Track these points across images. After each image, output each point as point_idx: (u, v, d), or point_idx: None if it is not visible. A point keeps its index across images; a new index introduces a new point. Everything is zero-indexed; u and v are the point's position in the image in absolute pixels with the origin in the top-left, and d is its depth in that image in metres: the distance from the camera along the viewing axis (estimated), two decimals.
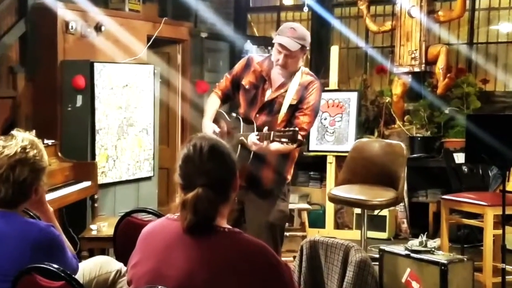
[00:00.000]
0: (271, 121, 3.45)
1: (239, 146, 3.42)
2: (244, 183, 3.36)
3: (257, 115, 3.51)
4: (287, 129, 3.23)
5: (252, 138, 3.31)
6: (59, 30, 5.34)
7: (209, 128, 3.55)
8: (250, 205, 3.54)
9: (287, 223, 6.66)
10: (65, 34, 5.39)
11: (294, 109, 3.46)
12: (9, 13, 5.25)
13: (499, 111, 6.62)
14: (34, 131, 2.82)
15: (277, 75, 3.51)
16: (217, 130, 3.55)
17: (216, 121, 3.64)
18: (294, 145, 3.28)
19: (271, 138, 3.23)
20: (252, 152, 3.38)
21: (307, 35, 3.47)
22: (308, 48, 3.49)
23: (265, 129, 3.30)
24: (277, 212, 3.56)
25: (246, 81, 3.58)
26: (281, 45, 3.40)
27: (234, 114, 3.64)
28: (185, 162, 1.93)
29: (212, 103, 3.69)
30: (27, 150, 2.33)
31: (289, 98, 3.45)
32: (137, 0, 6.23)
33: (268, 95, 3.52)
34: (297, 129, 3.20)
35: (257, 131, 3.38)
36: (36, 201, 2.44)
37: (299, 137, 3.23)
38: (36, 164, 2.35)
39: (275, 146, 3.31)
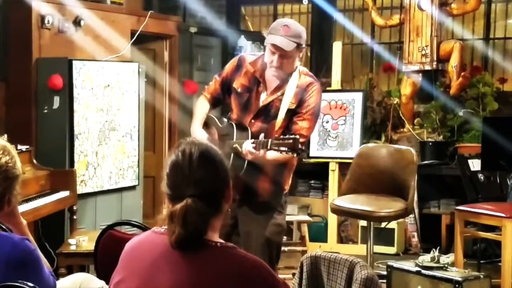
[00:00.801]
0: (267, 127, 3.46)
1: (232, 154, 3.41)
2: (237, 196, 3.36)
3: (252, 121, 3.50)
4: (286, 136, 3.23)
5: (248, 147, 3.31)
6: (34, 24, 5.35)
7: (198, 135, 3.55)
8: (244, 219, 3.54)
9: (285, 237, 6.71)
10: (41, 29, 5.40)
11: (292, 113, 3.46)
12: None
13: None
14: (5, 135, 2.82)
15: (272, 77, 3.49)
16: (207, 137, 3.56)
17: (206, 126, 3.64)
18: (294, 154, 3.28)
19: (269, 147, 3.23)
20: (247, 161, 3.38)
21: (303, 31, 3.46)
22: (304, 46, 3.48)
23: (261, 136, 3.31)
24: (274, 226, 3.56)
25: (238, 84, 3.57)
26: (274, 45, 3.38)
27: (226, 120, 3.64)
28: (173, 170, 1.93)
29: (201, 107, 3.69)
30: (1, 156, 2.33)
31: (287, 101, 3.44)
32: None
33: (264, 99, 3.51)
34: (297, 137, 3.20)
35: (252, 138, 3.38)
36: (8, 213, 2.43)
37: (299, 145, 3.23)
38: (9, 172, 2.35)
39: (273, 155, 3.31)
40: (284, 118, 3.44)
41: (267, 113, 3.50)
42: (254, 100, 3.52)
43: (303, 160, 6.83)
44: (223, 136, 3.55)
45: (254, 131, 3.44)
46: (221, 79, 3.67)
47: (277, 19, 3.56)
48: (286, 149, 3.17)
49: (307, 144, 6.71)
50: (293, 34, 3.38)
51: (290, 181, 3.68)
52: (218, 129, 3.62)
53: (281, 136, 3.27)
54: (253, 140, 3.33)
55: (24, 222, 2.56)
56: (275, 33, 3.39)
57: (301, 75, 3.50)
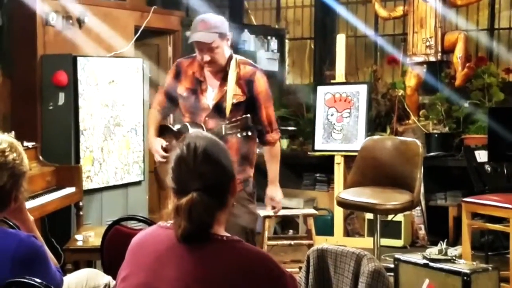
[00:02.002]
0: (223, 123, 3.48)
1: None
2: None
3: (206, 119, 3.56)
4: (238, 118, 3.33)
5: None
6: (39, 22, 5.35)
7: (156, 144, 3.64)
8: None
9: (291, 231, 6.72)
10: (45, 27, 5.40)
11: (246, 105, 3.53)
12: None
13: None
14: (13, 132, 2.82)
15: (211, 74, 3.59)
16: (165, 144, 3.63)
17: (162, 136, 3.72)
18: (245, 134, 3.32)
19: (224, 132, 3.31)
20: None
21: (221, 20, 3.54)
22: (228, 33, 3.54)
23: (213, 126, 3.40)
24: (248, 215, 3.61)
25: (182, 89, 3.64)
26: (197, 42, 3.46)
27: (179, 124, 3.70)
28: (178, 164, 1.93)
29: (153, 119, 3.79)
30: (6, 153, 2.33)
31: (231, 91, 3.52)
32: None
33: (212, 96, 3.58)
34: (248, 115, 3.32)
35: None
36: (15, 210, 2.44)
37: (276, 134, 3.59)
38: (16, 169, 2.35)
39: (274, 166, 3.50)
40: (231, 111, 3.50)
41: (220, 109, 3.54)
42: (201, 99, 3.59)
43: (308, 153, 6.82)
44: (180, 138, 3.56)
45: (210, 128, 3.48)
46: (165, 89, 3.76)
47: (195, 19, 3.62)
48: (240, 129, 3.27)
49: (312, 137, 6.73)
50: (211, 26, 3.46)
51: (253, 168, 3.71)
52: (174, 134, 3.69)
53: (232, 119, 3.36)
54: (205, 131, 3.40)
55: (32, 218, 2.56)
56: (195, 31, 3.48)
57: (240, 65, 3.57)
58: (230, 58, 3.56)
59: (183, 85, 3.64)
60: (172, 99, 3.72)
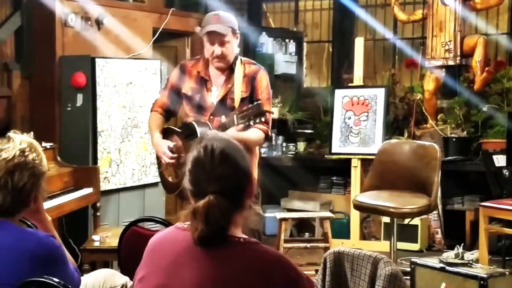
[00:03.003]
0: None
1: None
2: None
3: (211, 117, 3.58)
4: (249, 106, 3.34)
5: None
6: (58, 23, 5.38)
7: (163, 146, 3.64)
8: None
9: (307, 233, 6.71)
10: (64, 28, 5.43)
11: (246, 102, 3.55)
12: (3, 5, 5.30)
13: None
14: (32, 133, 2.84)
15: (216, 72, 3.62)
16: (172, 144, 3.64)
17: (166, 138, 3.72)
18: (258, 121, 3.30)
19: (236, 122, 3.31)
20: None
21: (233, 18, 3.60)
22: (238, 31, 3.60)
23: (223, 117, 3.41)
24: (254, 217, 3.62)
25: (187, 89, 3.67)
26: (211, 32, 3.49)
27: (184, 125, 3.70)
28: (195, 167, 1.93)
29: (155, 122, 3.80)
30: (26, 154, 2.34)
31: (238, 91, 3.55)
32: None
33: (216, 94, 3.61)
34: (259, 102, 3.34)
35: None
36: (33, 210, 2.46)
37: (266, 127, 3.52)
38: (36, 169, 2.36)
39: (245, 133, 3.40)
40: (239, 107, 3.53)
41: (224, 107, 3.58)
42: (206, 98, 3.61)
43: (325, 156, 6.81)
44: (187, 137, 3.58)
45: (214, 127, 3.49)
46: (168, 91, 3.78)
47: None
48: (253, 117, 3.26)
49: (329, 139, 6.72)
50: (225, 21, 3.53)
51: (257, 171, 3.70)
52: (178, 134, 3.68)
53: (244, 108, 3.37)
54: (216, 127, 3.42)
55: (49, 218, 2.58)
56: (208, 23, 3.53)
57: (244, 65, 3.62)
58: (236, 57, 3.61)
59: (188, 85, 3.67)
60: (175, 100, 3.75)
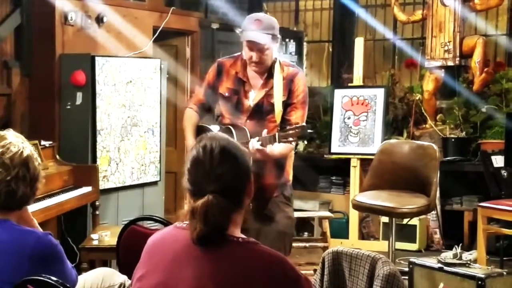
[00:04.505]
0: (263, 124, 3.48)
1: None
2: None
3: (248, 121, 3.53)
4: (294, 126, 3.28)
5: (255, 145, 3.33)
6: (58, 21, 5.38)
7: None
8: (253, 217, 3.54)
9: (305, 233, 6.71)
10: (64, 26, 5.43)
11: (284, 105, 3.51)
12: (3, 3, 5.30)
13: None
14: (10, 129, 2.85)
15: (254, 74, 3.55)
16: None
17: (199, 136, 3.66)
18: (304, 142, 3.32)
19: (277, 141, 3.26)
20: (251, 162, 3.38)
21: (275, 22, 3.52)
22: (279, 36, 3.52)
23: (264, 132, 3.33)
24: (286, 219, 3.61)
25: (223, 89, 3.60)
26: (250, 41, 3.42)
27: (218, 125, 3.65)
28: (194, 166, 1.93)
29: (190, 120, 3.72)
30: (26, 145, 2.40)
31: (279, 94, 3.49)
32: None
33: (253, 97, 3.55)
34: (304, 124, 3.29)
35: (251, 137, 3.40)
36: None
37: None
38: (37, 160, 2.42)
39: (279, 148, 3.36)
40: (281, 110, 3.49)
41: (260, 110, 3.53)
42: (243, 101, 3.55)
43: (325, 156, 6.81)
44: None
45: (251, 130, 3.46)
46: (204, 88, 3.71)
47: (247, 16, 3.58)
48: (296, 138, 3.23)
49: (329, 139, 6.72)
50: (266, 27, 3.43)
51: (291, 172, 3.71)
52: None
53: (287, 127, 3.32)
54: (258, 138, 3.35)
55: (34, 220, 2.59)
56: (248, 29, 3.44)
57: (283, 67, 3.54)
58: (275, 60, 3.53)
59: (224, 85, 3.59)
60: (211, 99, 3.68)
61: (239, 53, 3.60)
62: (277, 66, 3.52)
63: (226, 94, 3.58)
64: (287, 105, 3.51)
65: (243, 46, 3.49)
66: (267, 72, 3.53)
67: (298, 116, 3.50)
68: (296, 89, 3.51)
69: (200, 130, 3.68)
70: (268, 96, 3.51)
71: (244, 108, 3.55)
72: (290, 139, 3.23)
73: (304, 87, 3.55)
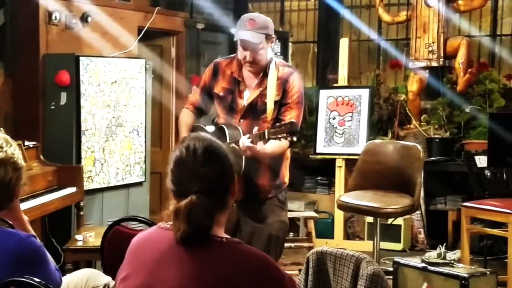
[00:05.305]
0: (257, 123, 3.47)
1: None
2: (238, 197, 3.36)
3: (241, 120, 3.54)
4: (282, 123, 3.26)
5: (245, 142, 3.30)
6: (41, 21, 5.35)
7: None
8: (246, 219, 3.53)
9: (291, 233, 6.71)
10: (48, 25, 5.40)
11: (278, 104, 3.50)
12: None
13: None
14: (1, 129, 2.82)
15: (249, 74, 3.55)
16: None
17: None
18: (290, 139, 3.27)
19: (267, 137, 3.24)
20: (244, 161, 3.38)
21: (269, 22, 3.51)
22: (274, 36, 3.52)
23: (255, 129, 3.32)
24: (279, 223, 3.59)
25: (218, 88, 3.61)
26: (243, 41, 3.42)
27: (213, 125, 3.65)
28: (178, 166, 1.93)
29: (186, 119, 3.72)
30: (5, 149, 2.34)
31: (272, 94, 3.48)
32: None
33: (248, 96, 3.55)
34: (293, 120, 3.25)
35: (244, 135, 3.39)
36: (11, 207, 2.44)
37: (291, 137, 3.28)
38: (17, 163, 2.36)
39: (271, 146, 3.34)
40: (273, 110, 3.48)
41: (254, 110, 3.53)
42: (238, 100, 3.56)
43: (310, 156, 6.82)
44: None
45: (245, 130, 3.45)
46: (200, 88, 3.71)
47: (242, 16, 3.57)
48: (285, 134, 3.18)
49: (314, 140, 6.73)
50: (260, 27, 3.43)
51: (288, 174, 3.69)
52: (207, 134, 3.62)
53: (276, 124, 3.30)
54: (248, 135, 3.33)
55: (26, 218, 2.56)
56: (241, 28, 3.44)
57: (278, 67, 3.54)
58: (270, 60, 3.52)
59: (220, 85, 3.60)
60: (207, 99, 3.68)
61: (235, 54, 3.60)
62: (272, 66, 3.52)
63: (221, 94, 3.59)
64: (282, 105, 3.50)
65: (238, 46, 3.49)
66: (262, 72, 3.53)
67: (293, 116, 3.47)
68: (290, 89, 3.50)
69: (195, 130, 3.68)
70: (262, 96, 3.51)
71: (238, 108, 3.55)
72: (279, 135, 3.20)
73: (300, 87, 3.53)
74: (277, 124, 3.31)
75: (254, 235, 3.52)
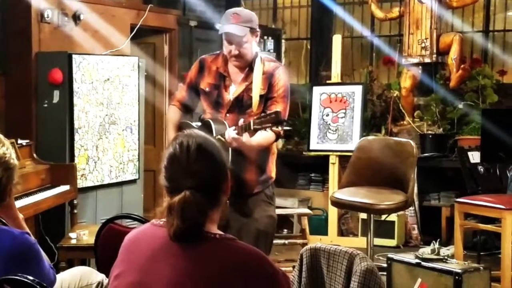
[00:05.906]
0: (243, 117, 3.46)
1: None
2: None
3: (227, 115, 3.54)
4: (267, 113, 3.27)
5: (231, 133, 3.31)
6: (34, 19, 5.34)
7: None
8: (234, 214, 3.54)
9: (285, 230, 6.72)
10: (40, 24, 5.39)
11: (264, 99, 3.51)
12: None
13: None
14: None
15: (235, 69, 3.56)
16: None
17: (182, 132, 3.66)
18: (275, 129, 3.28)
19: (252, 127, 3.24)
20: (231, 154, 3.38)
21: (253, 15, 3.53)
22: (258, 30, 3.54)
23: (241, 121, 3.32)
24: (267, 219, 3.60)
25: (204, 84, 3.62)
26: (227, 34, 3.44)
27: (200, 121, 3.67)
28: (171, 163, 1.93)
29: (173, 116, 3.75)
30: None
31: (257, 88, 3.49)
32: None
33: (233, 91, 3.56)
34: (278, 109, 3.25)
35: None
36: (5, 205, 2.44)
37: (278, 129, 3.33)
38: (8, 163, 2.35)
39: (257, 138, 3.34)
40: (258, 105, 3.49)
41: (240, 104, 3.54)
42: (224, 95, 3.57)
43: (303, 153, 6.83)
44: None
45: (231, 124, 3.45)
46: (187, 85, 3.73)
47: (226, 11, 3.59)
48: (270, 124, 3.18)
49: (307, 136, 6.74)
50: (244, 20, 3.45)
51: (275, 169, 3.69)
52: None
53: (262, 114, 3.32)
54: (234, 127, 3.34)
55: (21, 216, 2.56)
56: (226, 22, 3.46)
57: (264, 62, 3.55)
58: (256, 55, 3.54)
59: (206, 81, 3.61)
60: (194, 95, 3.70)
61: (221, 50, 3.61)
62: (258, 60, 3.53)
63: (207, 89, 3.60)
64: (268, 99, 3.51)
65: (223, 41, 3.50)
66: (248, 67, 3.54)
67: (278, 110, 3.47)
68: (276, 83, 3.51)
69: (182, 128, 3.69)
70: (248, 90, 3.52)
71: (224, 102, 3.56)
72: (265, 125, 3.20)
73: (285, 81, 3.54)
74: (262, 114, 3.32)
75: (242, 231, 3.52)
